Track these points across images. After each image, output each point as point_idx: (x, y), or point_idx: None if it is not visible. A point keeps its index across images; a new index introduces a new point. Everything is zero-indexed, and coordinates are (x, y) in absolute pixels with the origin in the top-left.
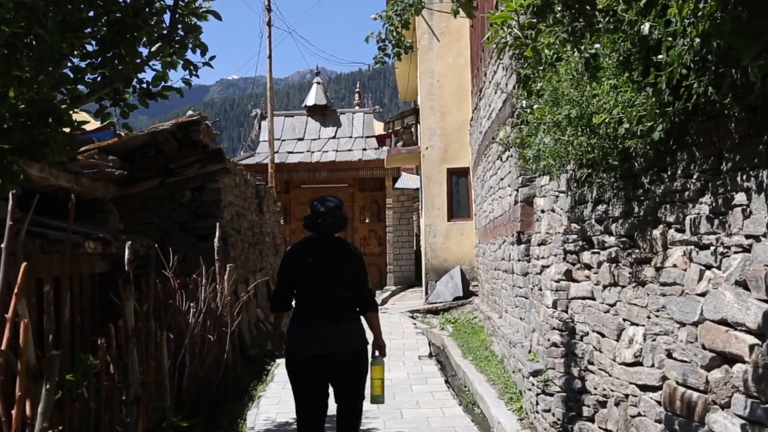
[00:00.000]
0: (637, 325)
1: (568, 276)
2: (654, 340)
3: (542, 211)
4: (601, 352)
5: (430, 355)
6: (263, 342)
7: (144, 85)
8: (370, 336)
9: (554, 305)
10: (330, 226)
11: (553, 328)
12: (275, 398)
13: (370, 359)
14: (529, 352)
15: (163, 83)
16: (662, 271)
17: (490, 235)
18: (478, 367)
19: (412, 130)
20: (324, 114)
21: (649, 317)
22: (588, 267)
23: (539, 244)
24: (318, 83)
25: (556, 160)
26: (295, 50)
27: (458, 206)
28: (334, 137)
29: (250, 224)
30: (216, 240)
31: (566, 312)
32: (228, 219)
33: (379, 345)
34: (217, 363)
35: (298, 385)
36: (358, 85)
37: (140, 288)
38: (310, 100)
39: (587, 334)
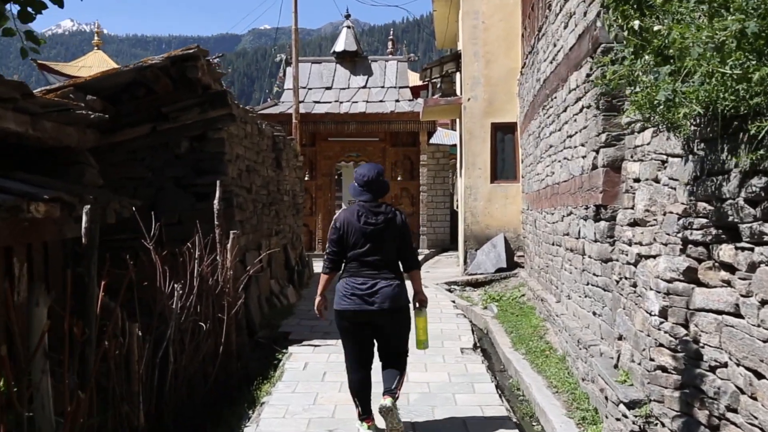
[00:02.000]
0: None
1: (690, 276)
2: None
3: (636, 180)
4: (754, 399)
5: (475, 347)
6: (276, 321)
7: None
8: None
9: (663, 313)
10: (375, 193)
11: (661, 345)
12: (281, 407)
13: (413, 312)
14: (616, 366)
15: None
16: None
17: (546, 202)
18: (534, 364)
19: (453, 79)
20: (354, 61)
21: None
22: (730, 268)
23: (631, 224)
24: (348, 27)
25: (709, 106)
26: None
27: (503, 166)
28: (364, 87)
29: (265, 181)
30: (216, 201)
31: (684, 327)
32: (234, 175)
33: (421, 299)
34: (215, 352)
35: (346, 336)
36: (391, 33)
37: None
38: (339, 45)
39: (725, 365)
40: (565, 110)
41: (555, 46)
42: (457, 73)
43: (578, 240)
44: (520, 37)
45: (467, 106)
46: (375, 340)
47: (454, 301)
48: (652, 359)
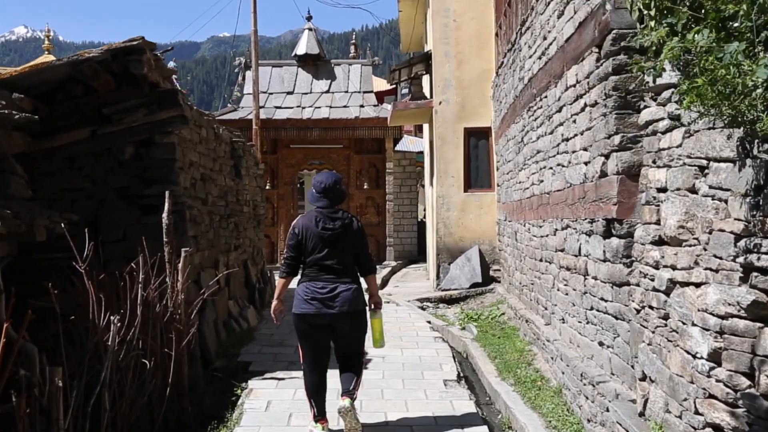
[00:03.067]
0: None
1: (757, 313)
2: None
3: (661, 190)
4: None
5: (459, 378)
6: (235, 349)
7: None
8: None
9: (714, 357)
10: (332, 200)
11: (712, 397)
12: None
13: (368, 315)
14: (641, 414)
15: None
16: None
17: (531, 213)
18: (527, 398)
19: (422, 82)
20: (317, 65)
21: None
22: None
23: (657, 243)
24: (310, 29)
25: None
26: (286, 6)
27: (477, 174)
28: (327, 91)
29: (223, 191)
30: (165, 214)
31: (748, 376)
32: (187, 185)
33: (376, 302)
34: (163, 389)
35: (305, 339)
36: (354, 38)
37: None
38: (301, 48)
39: None
40: (559, 110)
41: (545, 39)
42: (426, 76)
43: (578, 258)
44: (494, 37)
45: (439, 110)
46: (332, 343)
47: (429, 322)
48: (698, 413)
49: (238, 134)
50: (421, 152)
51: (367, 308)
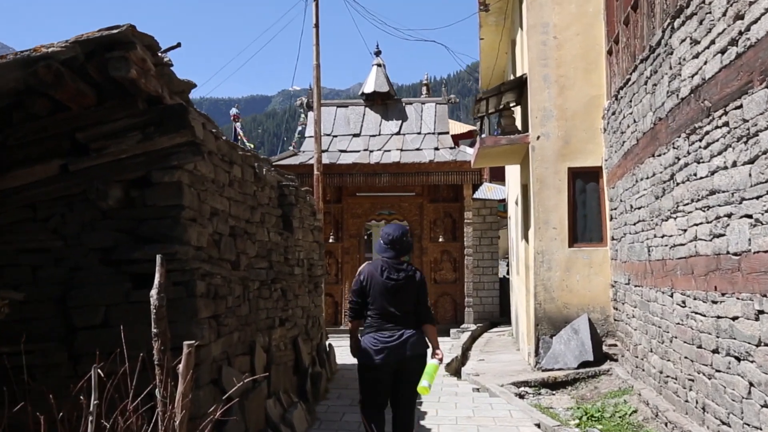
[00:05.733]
0: None
1: None
2: None
3: None
4: None
5: None
6: None
7: None
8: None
9: None
10: (399, 251)
11: None
12: None
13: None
14: None
15: None
16: None
17: (687, 280)
18: None
19: (515, 114)
20: (386, 104)
21: None
22: None
23: None
24: (379, 65)
25: None
26: (355, 58)
27: (585, 225)
28: (398, 133)
29: (265, 249)
30: (154, 290)
31: None
32: (201, 244)
33: (436, 353)
34: None
35: (369, 385)
36: (425, 76)
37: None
38: (369, 86)
39: None
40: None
41: (736, 19)
42: (518, 108)
43: None
44: (606, 55)
45: (536, 146)
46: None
47: (539, 425)
48: None
49: (291, 176)
50: (503, 200)
51: (428, 357)
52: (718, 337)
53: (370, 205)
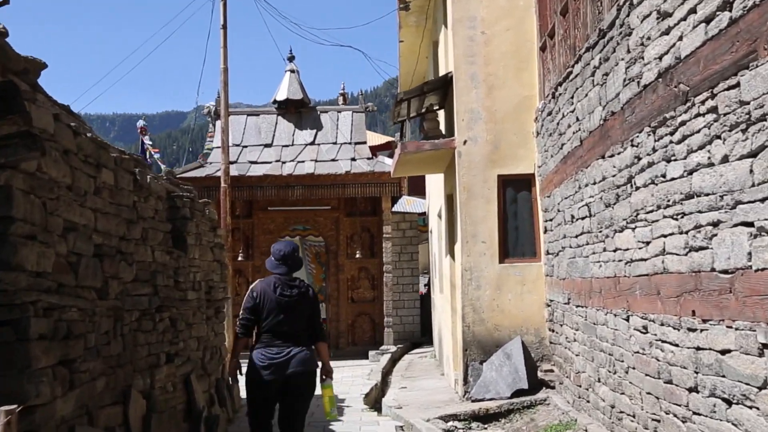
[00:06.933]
0: None
1: None
2: None
3: None
4: None
5: None
6: None
7: None
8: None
9: None
10: (291, 267)
11: None
12: None
13: (319, 383)
14: None
15: None
16: None
17: (652, 303)
18: None
19: (438, 117)
20: (300, 113)
21: None
22: None
23: None
24: (292, 71)
25: None
26: (272, 72)
27: (516, 238)
28: (312, 143)
29: (148, 271)
30: None
31: None
32: (46, 269)
33: (327, 370)
34: None
35: (256, 401)
36: (342, 87)
37: None
38: (282, 93)
39: None
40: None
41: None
42: (442, 111)
43: None
44: (539, 52)
45: (463, 152)
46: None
47: None
48: None
49: (189, 187)
50: (423, 214)
51: (318, 378)
52: (697, 372)
53: (283, 220)
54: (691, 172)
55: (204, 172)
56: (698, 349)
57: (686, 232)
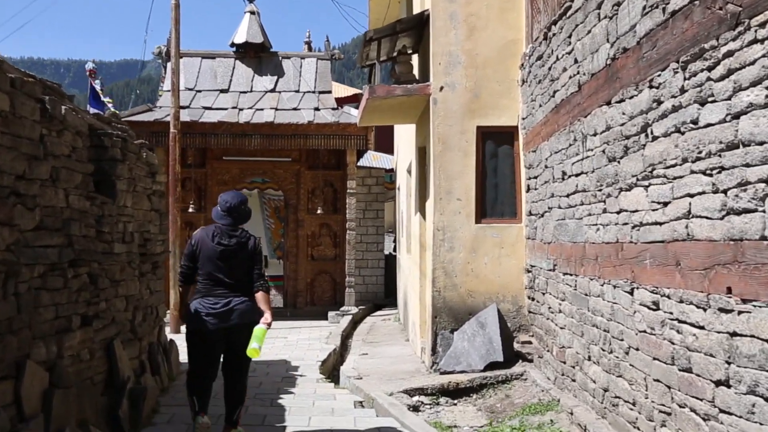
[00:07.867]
0: None
1: None
2: None
3: None
4: None
5: None
6: None
7: None
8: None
9: None
10: (236, 220)
11: None
12: None
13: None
14: None
15: None
16: None
17: (669, 276)
18: None
19: (411, 60)
20: (260, 57)
21: None
22: None
23: None
24: (252, 13)
25: None
26: (233, 19)
27: (495, 196)
28: (273, 90)
29: (60, 219)
30: None
31: None
32: None
33: (267, 321)
34: None
35: (197, 351)
36: (307, 34)
37: None
38: (240, 36)
39: None
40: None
41: None
42: (416, 56)
43: None
44: None
45: (439, 99)
46: (222, 355)
47: None
48: None
49: (121, 125)
50: (391, 170)
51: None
52: (730, 363)
53: (239, 171)
54: (737, 116)
55: (153, 117)
56: (734, 335)
57: (724, 191)
